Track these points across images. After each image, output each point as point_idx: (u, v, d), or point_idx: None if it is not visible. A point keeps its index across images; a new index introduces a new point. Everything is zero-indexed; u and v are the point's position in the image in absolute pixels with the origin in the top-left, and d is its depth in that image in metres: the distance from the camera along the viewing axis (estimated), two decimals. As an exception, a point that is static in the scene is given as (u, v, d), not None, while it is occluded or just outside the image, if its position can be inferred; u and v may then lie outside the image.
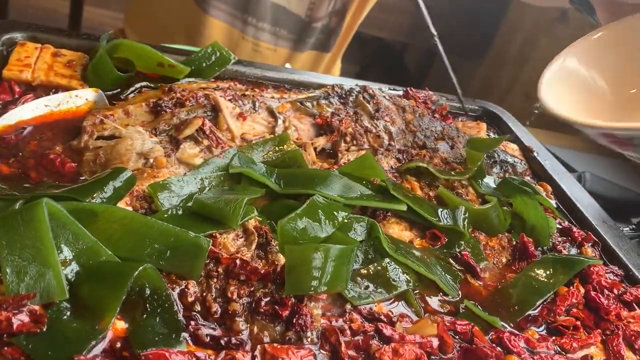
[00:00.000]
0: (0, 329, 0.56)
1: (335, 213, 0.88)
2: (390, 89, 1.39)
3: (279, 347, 0.67)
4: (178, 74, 1.12)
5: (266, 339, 0.69)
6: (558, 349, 0.83)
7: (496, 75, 3.53)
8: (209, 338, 0.66)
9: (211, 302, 0.70)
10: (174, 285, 0.70)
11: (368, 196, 0.95)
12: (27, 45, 1.06)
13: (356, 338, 0.73)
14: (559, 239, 1.08)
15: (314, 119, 1.14)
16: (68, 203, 0.70)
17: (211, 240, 0.74)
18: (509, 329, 0.84)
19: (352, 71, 3.46)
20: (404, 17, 3.67)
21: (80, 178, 0.85)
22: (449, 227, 0.96)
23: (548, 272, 0.95)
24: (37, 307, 0.59)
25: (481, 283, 0.92)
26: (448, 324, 0.79)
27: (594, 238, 1.10)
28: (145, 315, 0.65)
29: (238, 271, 0.72)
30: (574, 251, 1.07)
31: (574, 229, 1.11)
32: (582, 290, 0.94)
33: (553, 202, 1.23)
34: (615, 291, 0.96)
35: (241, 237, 0.80)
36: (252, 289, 0.72)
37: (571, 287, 0.94)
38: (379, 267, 0.84)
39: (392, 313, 0.80)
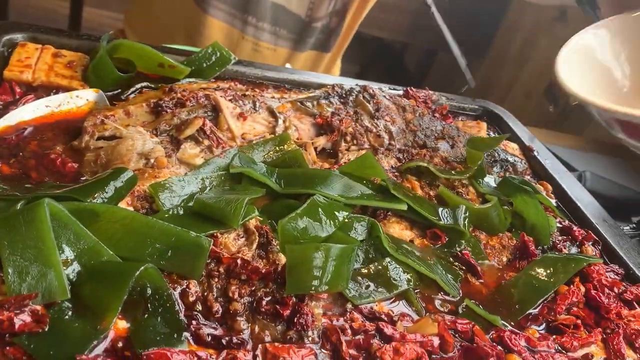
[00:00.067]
0: (2, 328, 0.57)
1: (336, 212, 0.88)
2: (391, 89, 1.39)
3: (280, 346, 0.67)
4: (178, 75, 1.12)
5: (267, 338, 0.69)
6: (558, 347, 0.83)
7: (496, 75, 3.53)
8: (210, 337, 0.66)
9: (212, 301, 0.70)
10: (175, 285, 0.70)
11: (368, 196, 0.95)
12: (27, 46, 1.07)
13: (357, 337, 0.73)
14: (559, 237, 1.08)
15: (315, 118, 1.14)
16: (69, 203, 0.71)
17: (212, 240, 0.74)
18: (509, 327, 0.84)
19: (352, 71, 3.46)
20: (404, 17, 3.67)
21: (81, 178, 0.85)
22: (450, 226, 0.97)
23: (548, 271, 0.95)
24: (38, 307, 0.59)
25: (482, 282, 0.93)
26: (449, 323, 0.79)
27: (595, 237, 1.11)
28: (146, 315, 0.65)
29: (239, 271, 0.72)
30: (574, 250, 1.07)
31: (575, 228, 1.12)
32: (583, 289, 0.94)
33: (553, 201, 1.23)
34: (616, 290, 0.96)
35: (242, 237, 0.80)
36: (253, 288, 0.72)
37: (571, 286, 0.94)
38: (380, 267, 0.84)
39: (393, 312, 0.80)
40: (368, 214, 0.95)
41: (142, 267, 0.65)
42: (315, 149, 1.08)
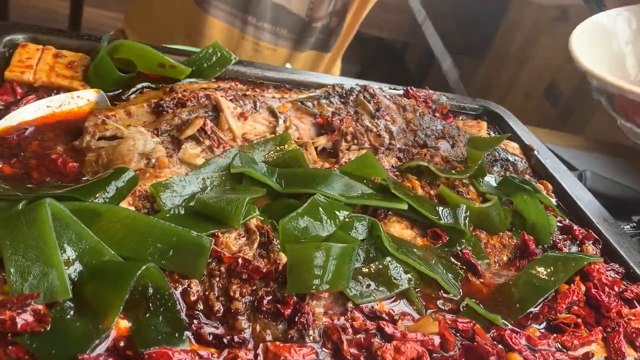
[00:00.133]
0: (4, 328, 0.57)
1: (337, 212, 0.88)
2: (391, 88, 1.39)
3: (281, 345, 0.67)
4: (179, 75, 1.12)
5: (268, 338, 0.69)
6: (559, 346, 0.83)
7: (496, 75, 3.53)
8: (211, 337, 0.66)
9: (214, 300, 0.70)
10: (177, 285, 0.70)
11: (369, 195, 0.95)
12: (28, 46, 1.07)
13: (358, 336, 0.73)
14: (560, 237, 1.09)
15: (315, 118, 1.14)
16: (71, 203, 0.71)
17: (213, 240, 0.74)
18: (510, 326, 0.84)
19: (352, 71, 3.46)
20: (404, 17, 3.67)
21: (83, 178, 0.85)
22: (450, 225, 0.97)
23: (549, 270, 0.95)
24: (40, 307, 0.59)
25: (482, 281, 0.93)
26: (449, 322, 0.79)
27: (595, 236, 1.11)
28: (148, 314, 0.65)
29: (240, 270, 0.72)
30: (574, 249, 1.08)
31: (575, 227, 1.12)
32: (583, 288, 0.94)
33: (554, 200, 1.23)
34: (616, 289, 0.96)
35: (243, 237, 0.80)
36: (254, 287, 0.72)
37: (572, 285, 0.94)
38: (381, 266, 0.84)
39: (394, 311, 0.80)
40: (369, 213, 0.95)
41: (144, 267, 0.65)
42: (316, 148, 1.08)
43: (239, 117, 1.04)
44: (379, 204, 0.95)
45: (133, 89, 1.08)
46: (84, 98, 1.00)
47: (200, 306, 0.70)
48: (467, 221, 0.99)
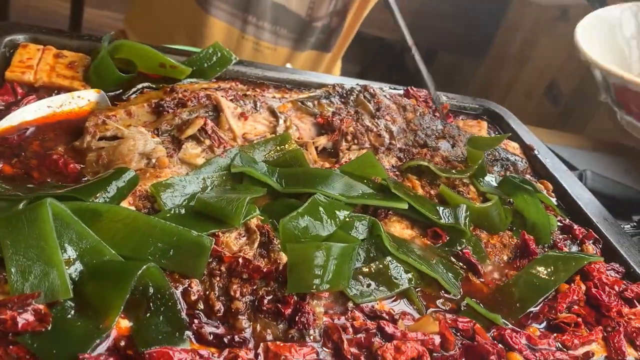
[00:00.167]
0: (5, 327, 0.57)
1: (337, 212, 0.88)
2: (391, 88, 1.39)
3: (281, 344, 0.68)
4: (180, 75, 1.13)
5: (269, 337, 0.69)
6: (559, 345, 0.83)
7: (497, 75, 3.53)
8: (212, 336, 0.67)
9: (214, 300, 0.70)
10: (177, 284, 0.70)
11: (369, 195, 0.95)
12: (29, 47, 1.07)
13: (358, 336, 0.73)
14: (560, 236, 1.09)
15: (315, 118, 1.14)
16: (71, 203, 0.71)
17: (214, 239, 0.74)
18: (510, 326, 0.84)
19: (352, 71, 3.46)
20: (405, 17, 3.67)
21: (83, 178, 0.85)
22: (450, 225, 0.97)
23: (549, 270, 0.95)
24: (41, 306, 0.59)
25: (482, 281, 0.93)
26: (450, 322, 0.79)
27: (595, 235, 1.11)
28: (148, 314, 0.65)
29: (241, 270, 0.72)
30: (574, 249, 1.08)
31: (575, 227, 1.12)
32: (583, 288, 0.94)
33: (554, 199, 1.23)
34: (616, 288, 0.96)
35: (243, 236, 0.80)
36: (254, 287, 0.72)
37: (572, 284, 0.94)
38: (381, 265, 0.84)
39: (394, 311, 0.80)
40: (369, 213, 0.95)
41: (144, 266, 0.65)
42: (316, 148, 1.08)
43: (240, 117, 1.04)
44: (379, 204, 0.95)
45: (133, 89, 1.08)
46: (84, 98, 1.00)
47: (201, 306, 0.70)
48: (467, 221, 0.99)
